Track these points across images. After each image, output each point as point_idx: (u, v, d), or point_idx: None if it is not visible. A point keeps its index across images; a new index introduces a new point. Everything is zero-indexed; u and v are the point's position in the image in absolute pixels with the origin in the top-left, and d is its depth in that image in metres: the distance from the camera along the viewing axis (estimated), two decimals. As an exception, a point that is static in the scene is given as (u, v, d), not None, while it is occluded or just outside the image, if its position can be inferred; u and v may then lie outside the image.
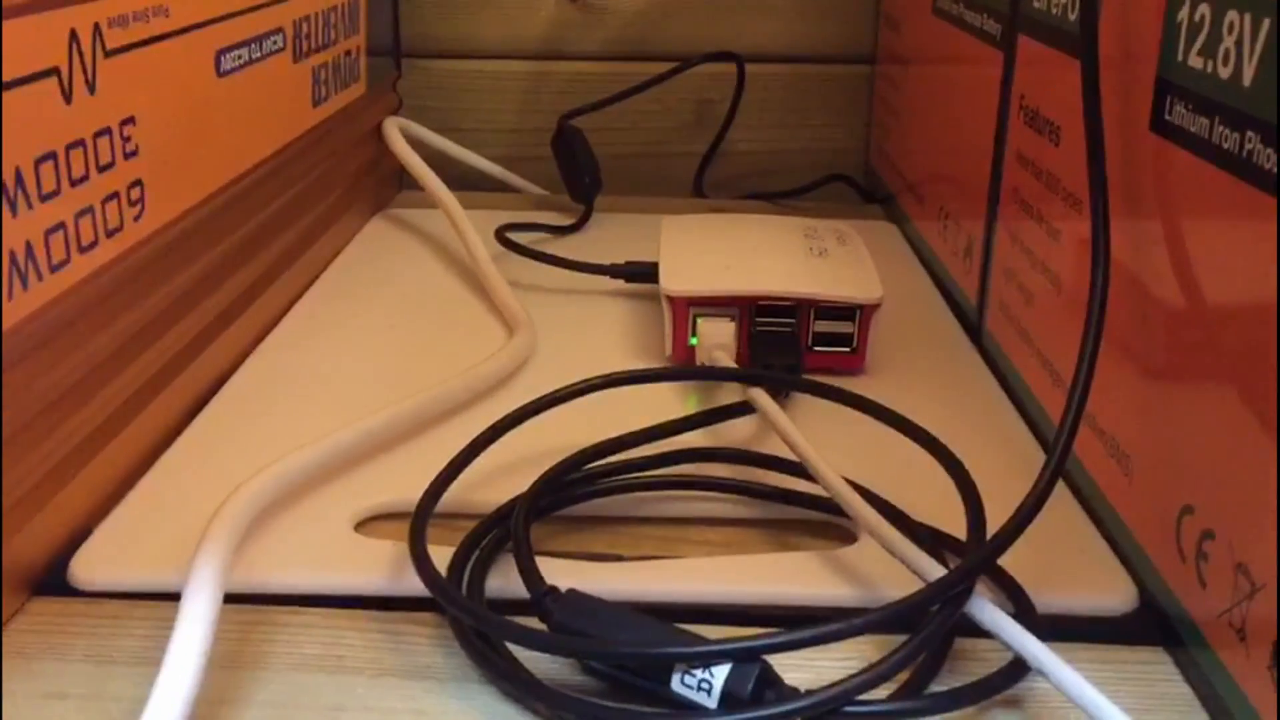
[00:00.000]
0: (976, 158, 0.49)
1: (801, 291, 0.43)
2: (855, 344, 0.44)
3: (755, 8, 0.70)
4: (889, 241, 0.61)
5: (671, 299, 0.43)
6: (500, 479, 0.36)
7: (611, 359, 0.46)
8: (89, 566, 0.32)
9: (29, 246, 0.30)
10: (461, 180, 0.68)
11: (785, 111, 0.71)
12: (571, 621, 0.28)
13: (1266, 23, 0.26)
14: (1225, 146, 0.28)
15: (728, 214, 0.53)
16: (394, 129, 0.63)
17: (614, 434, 0.36)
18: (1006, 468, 0.38)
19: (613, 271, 0.51)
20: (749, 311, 0.43)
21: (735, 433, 0.40)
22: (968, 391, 0.44)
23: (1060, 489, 0.37)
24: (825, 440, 0.39)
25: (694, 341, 0.44)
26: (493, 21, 0.70)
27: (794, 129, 0.72)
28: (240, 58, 0.44)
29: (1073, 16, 0.38)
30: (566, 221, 0.62)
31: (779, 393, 0.39)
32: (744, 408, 0.38)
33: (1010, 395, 0.43)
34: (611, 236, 0.61)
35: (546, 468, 0.35)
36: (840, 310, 0.43)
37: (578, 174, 0.63)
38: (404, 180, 0.68)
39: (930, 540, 0.33)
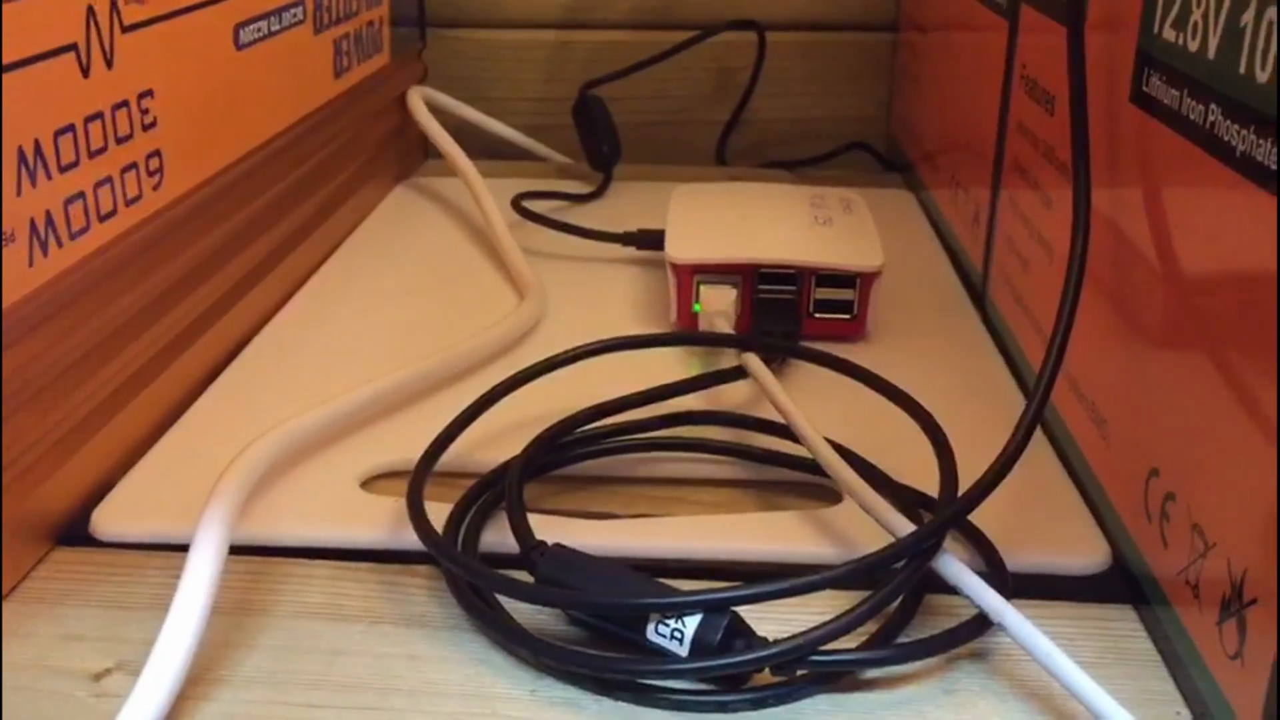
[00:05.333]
0: (984, 127, 0.49)
1: (802, 259, 0.44)
2: (855, 311, 0.45)
3: (777, -24, 0.70)
4: (905, 209, 0.62)
5: (676, 266, 0.45)
6: (501, 440, 0.38)
7: (620, 324, 0.47)
8: (110, 519, 0.34)
9: (49, 215, 0.32)
10: (487, 149, 0.69)
11: (807, 79, 0.72)
12: (555, 574, 0.29)
13: (1230, -3, 0.26)
14: (1192, 119, 0.28)
15: (737, 183, 0.53)
16: (418, 98, 0.65)
17: (613, 396, 0.38)
18: (997, 432, 0.38)
19: (624, 239, 0.52)
20: (751, 279, 0.44)
21: (732, 396, 0.41)
22: (967, 358, 0.44)
23: (1046, 452, 0.37)
24: (821, 404, 0.40)
25: (697, 308, 0.45)
26: (518, -9, 0.71)
27: (815, 97, 0.72)
28: (259, 31, 0.45)
29: (1067, -13, 0.38)
30: (587, 190, 0.63)
31: (774, 358, 0.41)
32: (738, 372, 0.39)
33: (1009, 362, 0.44)
34: (628, 204, 0.62)
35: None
36: (840, 278, 0.44)
37: (597, 143, 0.64)
38: (430, 149, 0.70)
39: (911, 501, 0.34)
